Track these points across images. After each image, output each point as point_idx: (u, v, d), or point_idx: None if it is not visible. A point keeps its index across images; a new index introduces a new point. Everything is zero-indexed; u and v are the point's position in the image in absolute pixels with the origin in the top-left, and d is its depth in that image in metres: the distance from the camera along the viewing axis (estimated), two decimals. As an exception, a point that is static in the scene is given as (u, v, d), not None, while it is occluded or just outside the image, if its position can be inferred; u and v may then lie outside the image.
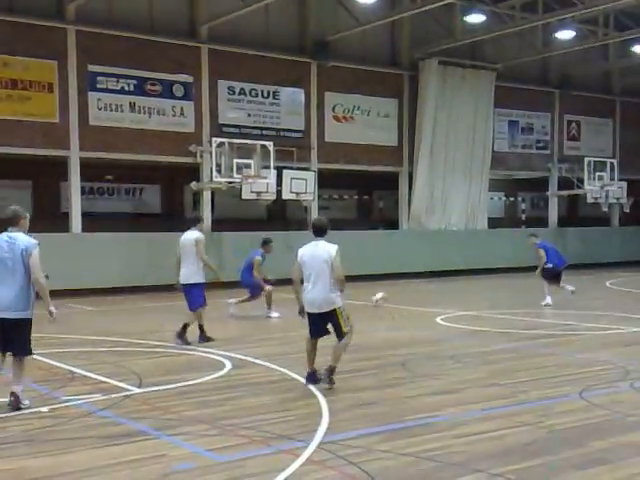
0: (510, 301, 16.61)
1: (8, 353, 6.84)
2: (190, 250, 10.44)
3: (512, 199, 29.94)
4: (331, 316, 7.62)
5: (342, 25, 21.87)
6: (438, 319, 13.09)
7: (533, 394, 7.33)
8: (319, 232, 7.85)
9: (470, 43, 23.76)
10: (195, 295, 10.50)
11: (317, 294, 7.58)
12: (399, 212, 24.39)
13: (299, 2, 21.92)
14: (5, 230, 6.87)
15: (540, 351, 9.85)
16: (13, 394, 6.66)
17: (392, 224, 24.68)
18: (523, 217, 28.20)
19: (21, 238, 6.76)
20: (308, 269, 7.65)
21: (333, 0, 22.11)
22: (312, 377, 7.66)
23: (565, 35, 24.05)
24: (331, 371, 7.54)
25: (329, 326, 7.74)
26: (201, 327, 10.64)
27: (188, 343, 10.32)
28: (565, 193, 27.09)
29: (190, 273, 10.46)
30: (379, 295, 10.55)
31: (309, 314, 7.71)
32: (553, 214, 27.61)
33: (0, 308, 6.69)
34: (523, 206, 28.80)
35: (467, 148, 24.56)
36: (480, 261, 24.16)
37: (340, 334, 7.66)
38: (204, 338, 10.55)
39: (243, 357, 9.43)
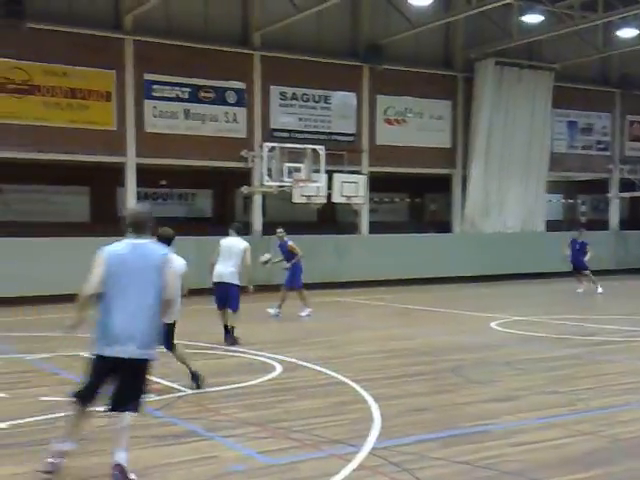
0: (568, 306, 16.18)
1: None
2: (238, 254, 10.89)
3: (571, 201, 29.25)
4: None
5: (395, 28, 21.74)
6: (493, 324, 12.84)
7: (593, 402, 7.09)
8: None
9: (527, 43, 23.33)
10: (238, 296, 10.86)
11: None
12: (452, 215, 24.09)
13: (352, 7, 21.88)
14: (127, 236, 5.25)
15: (600, 358, 9.55)
16: (118, 466, 4.91)
17: (444, 227, 24.40)
18: (583, 219, 27.51)
19: (153, 247, 5.16)
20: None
21: (386, 3, 22.00)
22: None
23: (626, 33, 23.38)
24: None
25: None
26: (226, 327, 10.91)
27: (239, 343, 10.61)
28: (627, 195, 26.36)
29: (232, 274, 10.84)
30: (266, 256, 13.01)
31: None
32: (614, 216, 26.87)
33: (118, 341, 4.87)
34: (583, 208, 28.12)
35: (524, 149, 24.10)
36: (537, 265, 23.65)
37: None
38: (233, 339, 10.75)
39: (293, 360, 9.42)
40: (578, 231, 19.25)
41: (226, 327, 10.84)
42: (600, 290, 18.08)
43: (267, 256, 13.93)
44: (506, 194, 23.93)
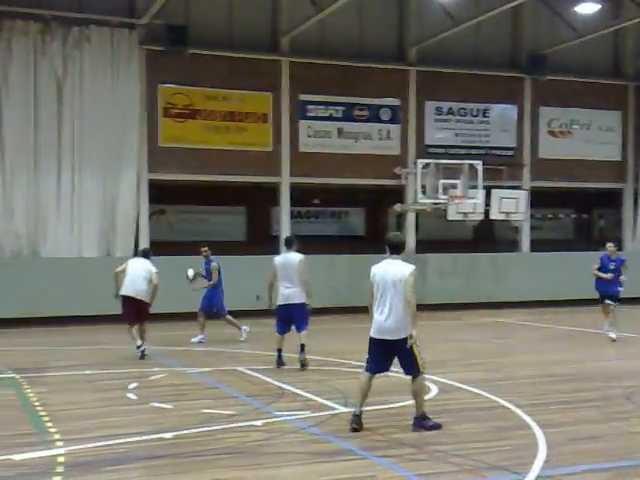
0: None
1: None
2: (295, 270, 10.15)
3: None
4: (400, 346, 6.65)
5: (559, 37, 20.76)
6: (672, 349, 11.71)
7: None
8: (395, 249, 6.93)
9: None
10: (306, 314, 10.19)
11: (385, 318, 6.70)
12: (622, 232, 22.51)
13: (512, 17, 21.12)
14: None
15: None
16: None
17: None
18: None
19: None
20: (380, 290, 6.78)
21: (550, 12, 21.10)
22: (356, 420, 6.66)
23: None
24: (420, 418, 6.71)
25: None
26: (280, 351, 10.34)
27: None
28: None
29: (296, 293, 10.14)
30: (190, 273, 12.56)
31: (373, 340, 6.84)
32: None
33: None
34: None
35: (703, 162, 22.22)
36: None
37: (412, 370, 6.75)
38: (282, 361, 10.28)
39: (449, 382, 9.04)
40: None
41: (280, 350, 10.24)
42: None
43: (191, 272, 13.13)
44: (683, 209, 22.11)
